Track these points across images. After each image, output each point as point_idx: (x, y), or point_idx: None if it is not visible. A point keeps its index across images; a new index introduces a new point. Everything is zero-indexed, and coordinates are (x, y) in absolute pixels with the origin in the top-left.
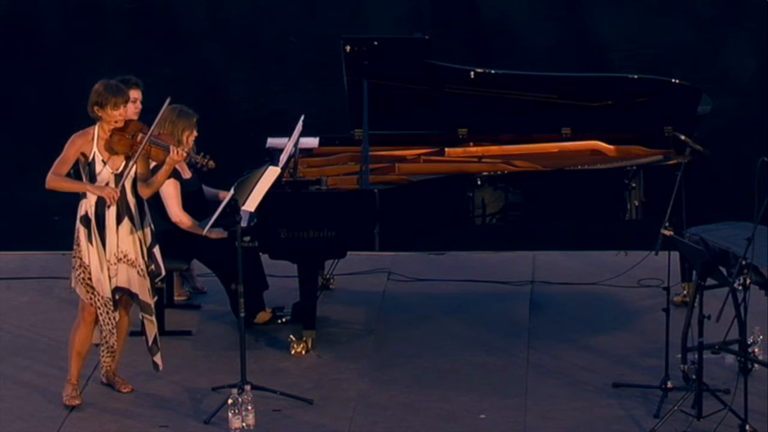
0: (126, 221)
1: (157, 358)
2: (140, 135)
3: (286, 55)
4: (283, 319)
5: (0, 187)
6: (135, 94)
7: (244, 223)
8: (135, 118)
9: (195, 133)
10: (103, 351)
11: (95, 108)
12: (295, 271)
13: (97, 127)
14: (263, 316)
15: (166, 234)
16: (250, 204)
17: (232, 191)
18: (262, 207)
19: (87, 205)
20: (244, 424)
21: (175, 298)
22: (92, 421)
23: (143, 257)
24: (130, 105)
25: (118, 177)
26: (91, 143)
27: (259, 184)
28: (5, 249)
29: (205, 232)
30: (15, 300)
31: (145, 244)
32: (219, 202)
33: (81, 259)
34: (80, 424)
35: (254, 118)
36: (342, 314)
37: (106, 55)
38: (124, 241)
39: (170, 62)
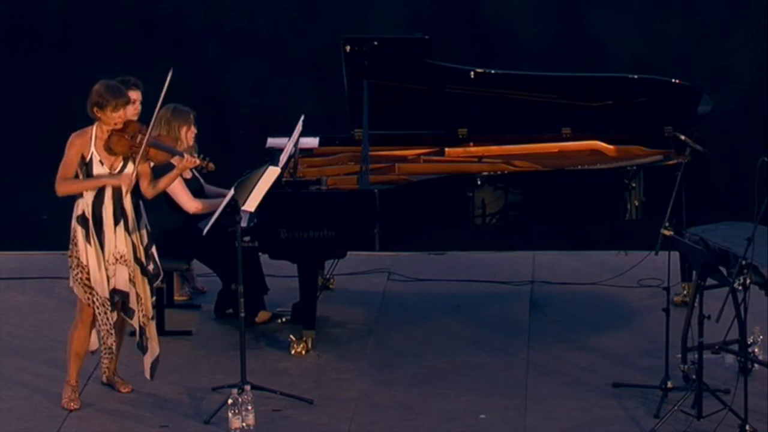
0: (122, 223)
1: (146, 361)
2: (139, 136)
3: (286, 55)
4: (283, 319)
5: (0, 187)
6: (134, 95)
7: (244, 224)
8: (134, 119)
9: (194, 130)
10: (103, 352)
11: (95, 109)
12: (295, 271)
13: (95, 127)
14: (263, 316)
15: (166, 234)
16: (250, 204)
17: (232, 191)
18: (262, 207)
19: (84, 205)
20: (244, 424)
21: (175, 298)
22: (92, 421)
23: (139, 259)
24: (129, 106)
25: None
26: (88, 143)
27: (259, 184)
28: (5, 249)
29: (205, 231)
30: (15, 300)
31: (142, 245)
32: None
33: (78, 258)
34: (80, 424)
35: (254, 118)
36: (342, 314)
37: (105, 56)
38: (121, 241)
39: (170, 62)
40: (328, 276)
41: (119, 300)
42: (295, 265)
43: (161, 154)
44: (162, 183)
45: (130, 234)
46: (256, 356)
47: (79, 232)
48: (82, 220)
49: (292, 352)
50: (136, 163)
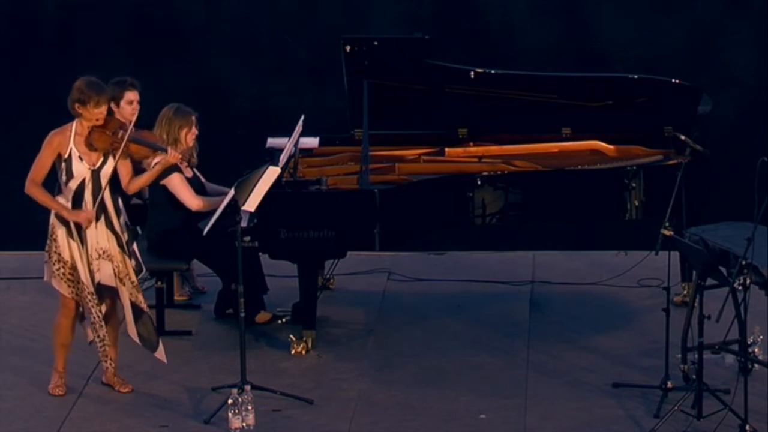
0: (103, 218)
1: (159, 354)
2: (120, 132)
3: (286, 55)
4: (283, 319)
5: (0, 187)
6: (132, 95)
7: (244, 223)
8: (133, 119)
9: (195, 131)
10: (97, 344)
11: (76, 105)
12: (295, 271)
13: (75, 123)
14: (263, 316)
15: (166, 234)
16: (250, 204)
17: (232, 191)
18: (262, 207)
19: (63, 202)
20: (244, 424)
21: (175, 298)
22: (92, 421)
23: (121, 252)
24: (127, 106)
25: (96, 172)
26: (68, 140)
27: (259, 184)
28: (5, 249)
29: (205, 232)
30: (15, 300)
31: (123, 239)
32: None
33: (59, 254)
34: (80, 424)
35: (254, 118)
36: (342, 314)
37: (105, 56)
38: (103, 237)
39: (170, 62)
40: (328, 276)
41: (107, 295)
42: (295, 265)
43: (143, 150)
44: (143, 179)
45: (111, 229)
46: (256, 356)
47: (58, 228)
48: (62, 217)
49: (292, 352)
50: (116, 158)
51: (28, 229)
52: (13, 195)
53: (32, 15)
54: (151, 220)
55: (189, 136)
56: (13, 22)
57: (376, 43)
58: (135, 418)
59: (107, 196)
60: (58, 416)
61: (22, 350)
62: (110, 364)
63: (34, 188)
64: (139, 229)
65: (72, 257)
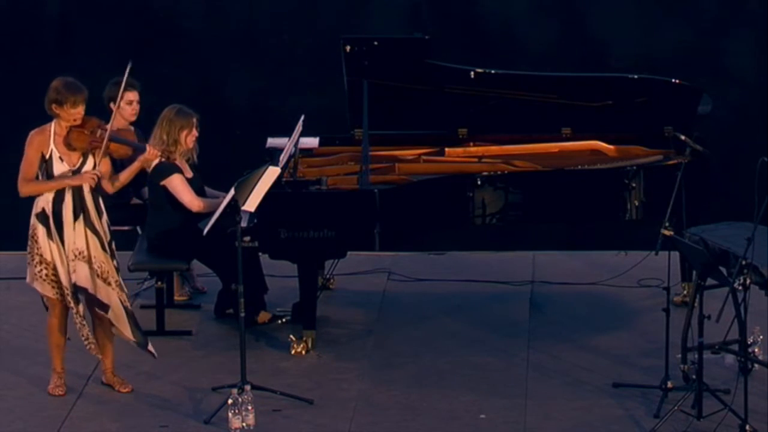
0: (82, 218)
1: (151, 348)
2: (99, 131)
3: (286, 55)
4: (283, 319)
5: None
6: (132, 95)
7: (244, 223)
8: (133, 119)
9: (195, 133)
10: (85, 344)
11: (53, 106)
12: (295, 271)
13: (53, 124)
14: (264, 316)
15: (166, 234)
16: (250, 204)
17: (232, 191)
18: (262, 207)
19: (44, 202)
20: (244, 424)
21: (175, 298)
22: (92, 421)
23: (104, 252)
24: (126, 107)
25: (76, 173)
26: (48, 141)
27: (259, 184)
28: (5, 249)
29: (205, 232)
30: (15, 300)
31: (106, 239)
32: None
33: (41, 255)
34: (80, 424)
35: (254, 118)
36: (342, 314)
37: (105, 56)
38: (80, 237)
39: (170, 62)
40: (328, 276)
41: (83, 296)
42: (295, 265)
43: (122, 148)
44: (123, 176)
45: (92, 229)
46: (256, 356)
47: (39, 229)
48: (42, 217)
49: (292, 352)
50: (97, 158)
51: (27, 229)
52: (12, 194)
53: (32, 15)
54: (150, 220)
55: (189, 137)
56: (12, 22)
57: (376, 43)
58: (135, 418)
59: (88, 196)
60: (58, 416)
61: (22, 350)
62: (105, 363)
63: (27, 186)
64: (139, 229)
65: (53, 258)
